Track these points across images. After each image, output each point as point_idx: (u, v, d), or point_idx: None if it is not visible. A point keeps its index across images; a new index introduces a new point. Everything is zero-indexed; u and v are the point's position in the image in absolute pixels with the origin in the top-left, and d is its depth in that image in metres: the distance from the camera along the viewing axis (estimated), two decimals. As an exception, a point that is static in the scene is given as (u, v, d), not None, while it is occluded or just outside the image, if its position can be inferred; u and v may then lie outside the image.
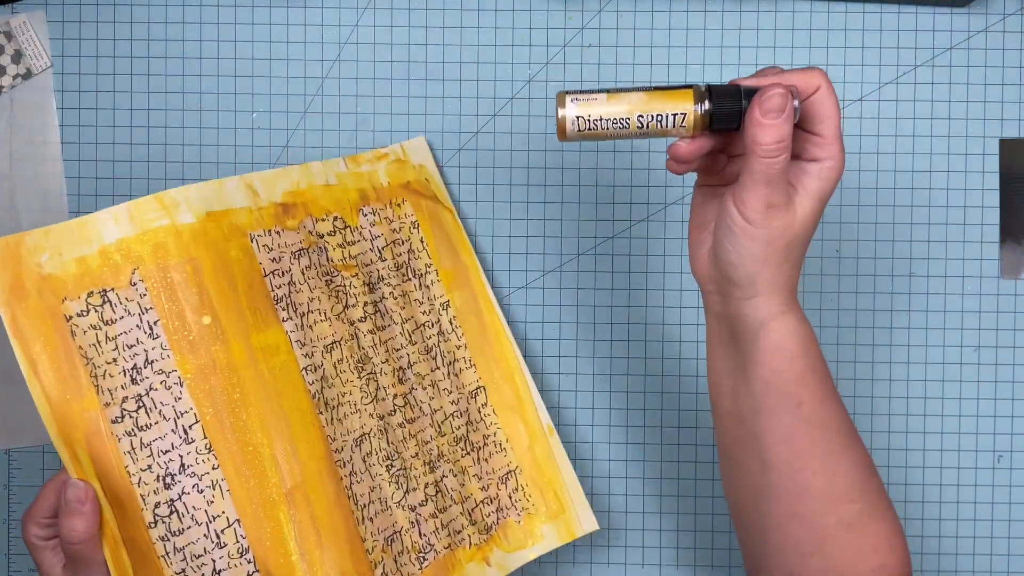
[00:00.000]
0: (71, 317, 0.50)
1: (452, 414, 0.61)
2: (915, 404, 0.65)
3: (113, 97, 0.65)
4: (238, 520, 0.51)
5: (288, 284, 0.55)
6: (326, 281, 0.57)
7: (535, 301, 0.66)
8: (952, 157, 0.64)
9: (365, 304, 0.59)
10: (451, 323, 0.62)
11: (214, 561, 0.50)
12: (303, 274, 0.56)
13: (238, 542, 0.51)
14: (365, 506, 0.55)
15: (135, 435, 0.50)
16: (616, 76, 0.65)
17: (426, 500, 0.58)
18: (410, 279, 0.61)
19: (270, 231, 0.55)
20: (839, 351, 0.65)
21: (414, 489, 0.58)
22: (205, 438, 0.51)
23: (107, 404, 0.50)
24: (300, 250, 0.56)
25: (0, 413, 0.65)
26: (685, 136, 0.47)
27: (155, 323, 0.51)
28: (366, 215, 0.60)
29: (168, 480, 0.50)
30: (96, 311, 0.50)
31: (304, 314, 0.55)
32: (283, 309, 0.54)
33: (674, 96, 0.46)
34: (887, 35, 0.64)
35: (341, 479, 0.54)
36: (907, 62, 0.64)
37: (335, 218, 0.59)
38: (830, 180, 0.47)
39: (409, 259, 0.62)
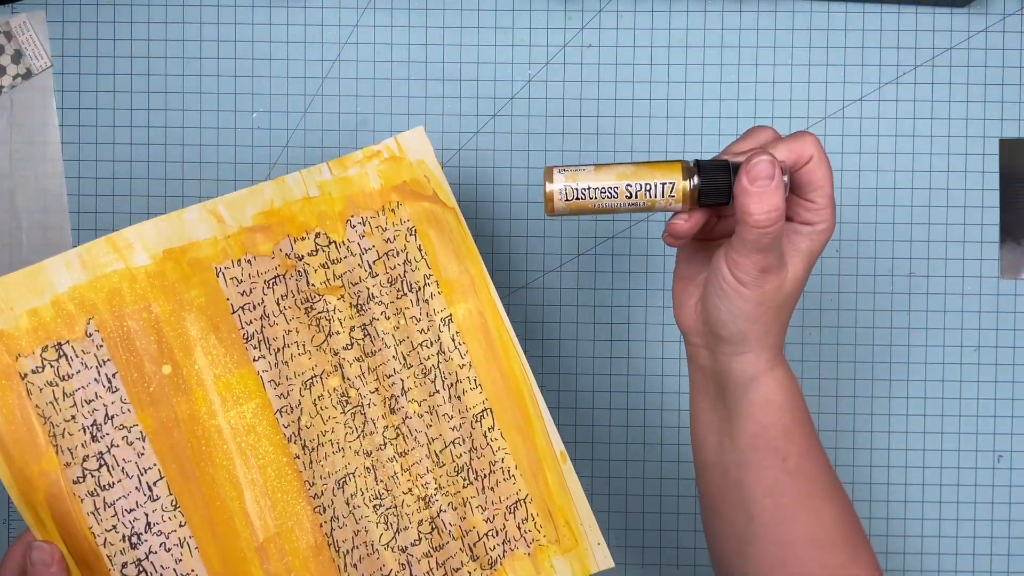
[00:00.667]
0: (26, 375, 0.48)
1: (453, 441, 0.56)
2: (915, 404, 0.65)
3: (113, 97, 0.65)
4: None
5: (260, 319, 0.52)
6: (305, 309, 0.53)
7: (535, 301, 0.66)
8: (952, 157, 0.64)
9: (352, 329, 0.54)
10: (453, 340, 0.56)
11: None
12: (278, 304, 0.53)
13: None
14: (348, 552, 0.53)
15: (98, 495, 0.49)
16: (616, 76, 0.65)
17: (419, 539, 0.55)
18: (406, 294, 0.56)
19: (239, 261, 0.52)
20: (839, 351, 0.65)
21: (405, 528, 0.54)
22: (171, 494, 0.50)
23: (67, 464, 0.49)
24: (275, 277, 0.53)
25: (0, 413, 0.65)
26: (674, 207, 0.46)
27: (113, 375, 0.49)
28: (354, 226, 0.55)
29: (134, 540, 0.49)
30: (52, 366, 0.49)
31: (279, 349, 0.52)
32: (254, 347, 0.52)
33: (662, 168, 0.46)
34: (887, 35, 0.64)
35: (321, 526, 0.52)
36: (907, 62, 0.64)
37: (317, 235, 0.54)
38: (821, 242, 0.47)
39: (405, 271, 0.56)
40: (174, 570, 0.50)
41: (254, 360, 0.52)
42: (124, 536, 0.49)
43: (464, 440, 0.56)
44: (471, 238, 0.57)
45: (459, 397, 0.56)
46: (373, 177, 0.56)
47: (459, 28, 0.65)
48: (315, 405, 0.53)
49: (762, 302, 0.47)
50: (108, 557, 0.49)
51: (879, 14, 0.64)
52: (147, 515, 0.49)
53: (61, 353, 0.49)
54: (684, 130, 0.64)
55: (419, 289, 0.56)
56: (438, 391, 0.56)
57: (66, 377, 0.49)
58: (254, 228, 0.52)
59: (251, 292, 0.52)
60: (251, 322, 0.52)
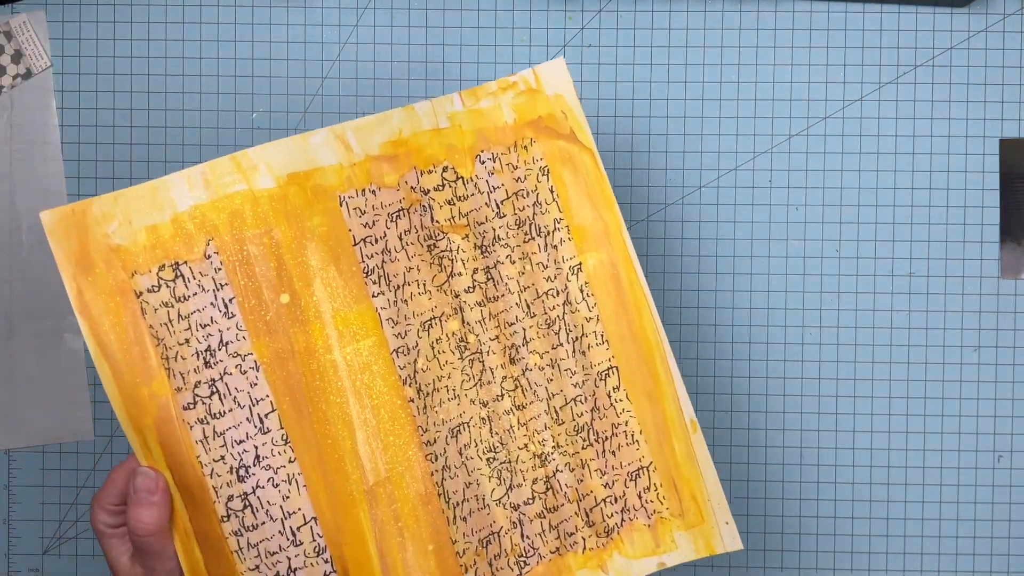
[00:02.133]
0: (141, 293, 0.47)
1: (574, 399, 0.53)
2: (915, 404, 0.65)
3: (113, 97, 0.65)
4: (315, 518, 0.48)
5: (382, 253, 0.50)
6: (428, 247, 0.51)
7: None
8: (952, 157, 0.64)
9: (475, 272, 0.52)
10: (582, 291, 0.53)
11: (289, 559, 0.48)
12: (400, 239, 0.50)
13: (314, 540, 0.48)
14: (458, 504, 0.51)
15: (207, 423, 0.47)
16: (616, 76, 0.65)
17: (533, 498, 0.52)
18: (533, 238, 0.52)
19: (363, 191, 0.49)
20: (839, 351, 0.65)
21: (519, 485, 0.52)
22: (281, 428, 0.48)
23: (178, 389, 0.47)
24: (399, 211, 0.50)
25: (0, 413, 0.65)
26: None
27: (230, 301, 0.47)
28: (483, 162, 0.52)
29: (242, 473, 0.48)
30: (168, 286, 0.47)
31: (399, 287, 0.50)
32: (374, 282, 0.49)
33: None
34: (887, 35, 0.64)
35: (432, 474, 0.50)
36: (907, 62, 0.64)
37: (444, 169, 0.51)
38: None
39: (534, 214, 0.53)
40: (280, 507, 0.48)
41: (373, 296, 0.49)
42: (232, 468, 0.48)
43: (586, 398, 0.53)
44: (608, 183, 0.53)
45: (583, 352, 0.53)
46: (507, 110, 0.53)
47: (459, 28, 0.65)
48: (432, 348, 0.51)
49: None
50: (214, 488, 0.48)
51: (879, 14, 0.64)
52: (256, 448, 0.48)
53: (178, 273, 0.47)
54: (684, 130, 0.65)
55: (548, 234, 0.53)
56: (561, 344, 0.53)
57: (182, 299, 0.47)
58: (380, 158, 0.50)
59: (374, 224, 0.50)
60: (372, 256, 0.50)
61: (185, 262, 0.47)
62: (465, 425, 0.51)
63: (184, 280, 0.47)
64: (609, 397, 0.53)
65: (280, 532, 0.48)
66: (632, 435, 0.53)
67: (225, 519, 0.48)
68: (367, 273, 0.49)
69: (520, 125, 0.53)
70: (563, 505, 0.52)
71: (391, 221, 0.50)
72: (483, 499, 0.51)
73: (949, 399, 0.65)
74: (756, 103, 0.64)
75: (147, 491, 0.46)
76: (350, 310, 0.49)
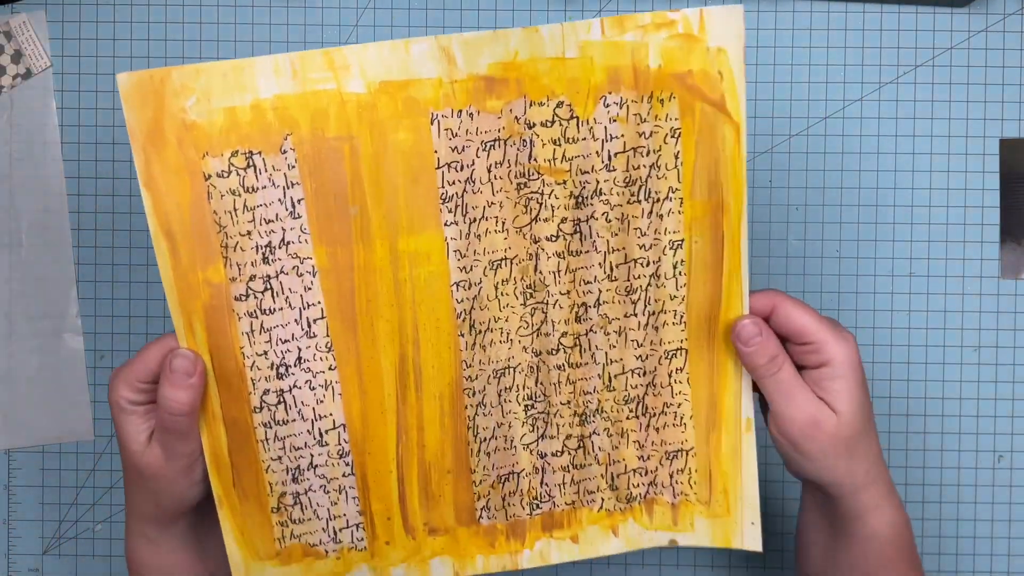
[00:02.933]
0: (210, 176, 0.45)
1: (633, 370, 0.50)
2: (915, 404, 0.65)
3: (113, 97, 0.65)
4: (344, 425, 0.49)
5: (465, 182, 0.46)
6: (517, 185, 0.47)
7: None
8: (952, 157, 0.64)
9: (562, 221, 0.48)
10: (675, 267, 0.49)
11: (312, 456, 0.49)
12: (489, 171, 0.46)
13: (340, 445, 0.49)
14: (485, 440, 0.50)
15: (256, 317, 0.47)
16: (616, 76, 0.64)
17: (562, 451, 0.51)
18: (639, 201, 0.47)
19: (460, 112, 0.46)
20: (839, 351, 0.65)
21: (551, 437, 0.51)
22: (327, 336, 0.48)
23: (233, 279, 0.46)
24: (495, 140, 0.46)
25: (0, 413, 0.65)
26: None
27: (299, 201, 0.46)
28: (608, 106, 0.46)
29: (282, 370, 0.48)
30: (238, 174, 0.45)
31: (475, 220, 0.47)
32: (449, 211, 0.46)
33: None
34: (887, 35, 0.64)
35: (466, 407, 0.49)
36: (907, 62, 0.64)
37: (559, 104, 0.46)
38: (850, 371, 0.48)
39: (648, 176, 0.47)
40: (313, 409, 0.49)
41: (445, 224, 0.47)
42: (273, 364, 0.48)
43: (645, 372, 0.50)
44: (744, 163, 0.47)
45: (656, 328, 0.50)
46: (653, 53, 0.45)
47: (459, 28, 0.65)
48: (496, 289, 0.48)
49: (826, 452, 0.48)
50: (252, 380, 0.48)
51: (879, 14, 0.64)
52: (300, 350, 0.48)
53: (251, 163, 0.45)
54: (684, 130, 0.64)
55: (657, 201, 0.48)
56: (635, 315, 0.49)
57: (250, 189, 0.46)
58: (487, 78, 0.45)
59: (463, 150, 0.46)
60: (454, 183, 0.46)
61: (259, 152, 0.45)
62: (510, 369, 0.50)
63: (256, 171, 0.46)
64: (670, 377, 0.51)
65: (308, 431, 0.49)
66: (681, 418, 0.51)
67: (257, 410, 0.48)
68: (444, 199, 0.46)
69: (664, 74, 0.46)
70: (591, 465, 0.51)
71: (483, 150, 0.46)
72: (511, 440, 0.51)
73: (949, 399, 0.65)
74: (756, 103, 0.64)
75: (185, 373, 0.46)
76: (418, 234, 0.47)
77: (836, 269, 0.65)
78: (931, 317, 0.64)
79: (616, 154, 0.47)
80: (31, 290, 0.64)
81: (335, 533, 0.51)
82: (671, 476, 0.52)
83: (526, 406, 0.50)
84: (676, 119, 0.46)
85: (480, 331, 0.49)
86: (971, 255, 0.64)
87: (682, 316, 0.50)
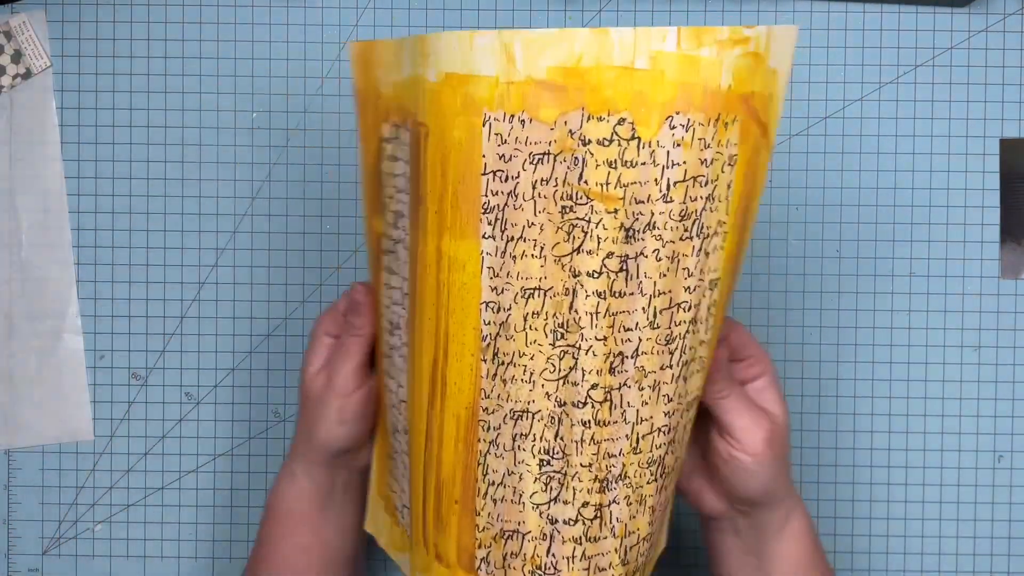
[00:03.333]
0: (383, 139, 0.48)
1: (660, 429, 0.44)
2: (915, 404, 0.65)
3: (113, 97, 0.65)
4: (404, 402, 0.49)
5: (508, 194, 0.42)
6: (562, 208, 0.41)
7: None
8: (952, 157, 0.64)
9: (608, 256, 0.41)
10: (709, 310, 0.44)
11: (399, 420, 0.51)
12: (533, 187, 0.41)
13: (403, 420, 0.50)
14: (493, 484, 0.45)
15: (389, 273, 0.49)
16: (616, 76, 0.64)
17: (576, 521, 0.45)
18: (691, 238, 0.42)
19: (511, 116, 0.41)
20: (839, 351, 0.65)
21: (565, 502, 0.44)
22: (406, 312, 0.48)
23: (384, 234, 0.49)
24: (544, 154, 0.41)
25: (0, 413, 0.65)
26: None
27: (407, 179, 0.46)
28: (674, 128, 0.40)
29: (392, 329, 0.50)
30: (391, 143, 0.47)
31: (512, 239, 0.42)
32: (489, 223, 0.42)
33: None
34: (887, 35, 0.64)
35: (479, 440, 0.44)
36: (907, 62, 0.64)
37: (621, 121, 0.40)
38: (776, 376, 0.51)
39: (704, 209, 0.41)
40: (399, 373, 0.50)
41: (483, 236, 0.42)
42: (389, 320, 0.50)
43: (669, 430, 0.45)
44: (762, 193, 0.44)
45: (685, 379, 0.44)
46: (726, 71, 0.40)
47: (459, 28, 0.65)
48: (525, 321, 0.43)
49: (775, 457, 0.50)
50: (383, 328, 0.51)
51: (879, 14, 0.64)
52: (401, 317, 0.49)
53: (397, 135, 0.47)
54: (684, 130, 0.64)
55: (707, 237, 0.42)
56: (670, 367, 0.43)
57: (394, 158, 0.47)
58: (544, 83, 0.40)
59: (510, 159, 0.41)
60: (496, 193, 0.42)
61: (401, 125, 0.46)
62: (529, 414, 0.44)
63: (399, 143, 0.46)
64: (685, 430, 0.46)
65: (395, 393, 0.50)
66: (680, 469, 0.48)
67: (385, 356, 0.51)
68: (485, 209, 0.42)
69: (733, 95, 0.40)
70: (606, 539, 0.45)
71: (530, 163, 0.41)
72: (520, 495, 0.45)
73: (949, 399, 0.65)
74: (756, 103, 0.64)
75: (359, 302, 0.52)
76: (459, 239, 0.43)
77: (836, 269, 0.65)
78: (931, 317, 0.64)
79: (675, 183, 0.41)
80: (31, 290, 0.64)
81: (403, 506, 0.51)
82: (661, 528, 0.50)
83: (541, 460, 0.44)
84: (735, 145, 0.42)
85: (503, 363, 0.44)
86: (971, 255, 0.64)
87: (704, 362, 0.45)
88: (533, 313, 0.43)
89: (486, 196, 0.42)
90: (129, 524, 0.65)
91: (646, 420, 0.44)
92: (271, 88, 0.65)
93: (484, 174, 0.42)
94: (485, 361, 0.44)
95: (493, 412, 0.44)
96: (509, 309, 0.43)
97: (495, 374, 0.44)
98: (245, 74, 0.65)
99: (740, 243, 0.44)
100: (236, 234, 0.65)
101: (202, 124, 0.65)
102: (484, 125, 0.41)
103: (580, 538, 0.45)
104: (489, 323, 0.43)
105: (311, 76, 0.65)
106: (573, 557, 0.45)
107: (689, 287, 0.43)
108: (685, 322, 0.43)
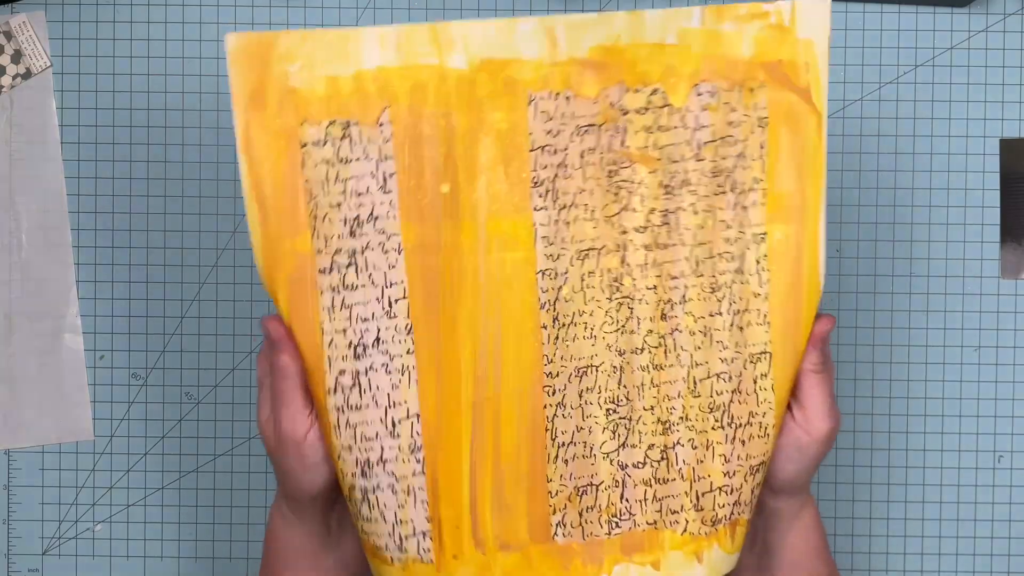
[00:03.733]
0: (306, 144, 0.45)
1: (718, 374, 0.48)
2: (915, 404, 0.65)
3: (113, 97, 0.65)
4: (418, 415, 0.47)
5: (558, 166, 0.46)
6: (608, 172, 0.47)
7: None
8: (952, 157, 0.64)
9: (651, 211, 0.47)
10: (758, 263, 0.48)
11: (383, 449, 0.47)
12: (582, 157, 0.46)
13: (412, 438, 0.47)
14: (564, 445, 0.48)
15: (339, 293, 0.46)
16: (616, 76, 0.64)
17: (644, 462, 0.48)
18: (725, 193, 0.47)
19: (557, 94, 0.46)
20: (839, 351, 0.65)
21: (633, 446, 0.48)
22: (408, 318, 0.46)
23: (319, 251, 0.46)
24: (589, 126, 0.46)
25: (0, 413, 0.65)
26: None
27: (391, 176, 0.45)
28: (700, 94, 0.46)
29: (359, 350, 0.46)
30: (333, 144, 0.45)
31: (565, 207, 0.46)
32: (540, 195, 0.46)
33: None
34: (887, 35, 0.64)
35: (545, 407, 0.47)
36: (907, 62, 0.64)
37: (654, 91, 0.46)
38: (832, 378, 0.51)
39: (735, 166, 0.47)
40: (388, 395, 0.47)
41: (535, 209, 0.46)
42: (351, 343, 0.46)
43: (731, 377, 0.48)
44: (824, 155, 0.47)
45: (740, 328, 0.48)
46: (746, 42, 0.46)
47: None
48: (582, 280, 0.47)
49: (822, 454, 0.50)
50: (329, 359, 0.47)
51: (879, 14, 0.64)
52: (379, 330, 0.46)
53: (347, 134, 0.45)
54: (684, 130, 0.64)
55: (742, 192, 0.47)
56: (720, 313, 0.48)
57: (344, 161, 0.45)
58: (586, 62, 0.46)
59: (558, 134, 0.46)
60: (546, 167, 0.46)
61: (357, 123, 0.45)
62: (593, 368, 0.48)
63: (351, 142, 0.45)
64: (755, 383, 0.48)
65: (380, 420, 0.47)
66: (766, 428, 0.49)
67: (331, 392, 0.47)
68: (535, 183, 0.46)
69: (755, 64, 0.46)
70: (675, 480, 0.48)
71: (577, 134, 0.46)
72: (591, 448, 0.48)
73: (949, 399, 0.65)
74: (756, 103, 0.64)
75: (274, 338, 0.47)
76: (507, 218, 0.46)
77: (836, 269, 0.65)
78: (931, 317, 0.64)
79: (705, 143, 0.47)
80: (31, 290, 0.64)
81: (401, 540, 0.48)
82: (752, 491, 0.49)
83: (608, 410, 0.48)
84: (764, 108, 0.47)
85: (564, 324, 0.47)
86: (971, 255, 0.64)
87: (766, 316, 0.48)
88: (589, 272, 0.47)
89: (535, 171, 0.46)
90: (129, 524, 0.65)
91: (701, 364, 0.48)
92: (271, 88, 0.65)
93: (532, 150, 0.46)
94: (545, 328, 0.47)
95: (558, 375, 0.48)
96: (566, 272, 0.47)
97: (556, 337, 0.47)
98: (245, 74, 0.65)
99: (791, 204, 0.47)
100: (236, 234, 0.65)
101: (202, 124, 0.65)
102: (529, 105, 0.45)
103: (650, 480, 0.48)
104: (547, 289, 0.47)
105: (311, 76, 0.65)
106: (645, 500, 0.48)
107: (729, 238, 0.47)
108: (730, 271, 0.47)
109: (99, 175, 0.65)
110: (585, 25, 0.45)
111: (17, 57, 0.64)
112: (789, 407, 0.49)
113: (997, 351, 0.64)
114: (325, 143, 0.45)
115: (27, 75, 0.64)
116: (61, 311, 0.64)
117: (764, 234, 0.48)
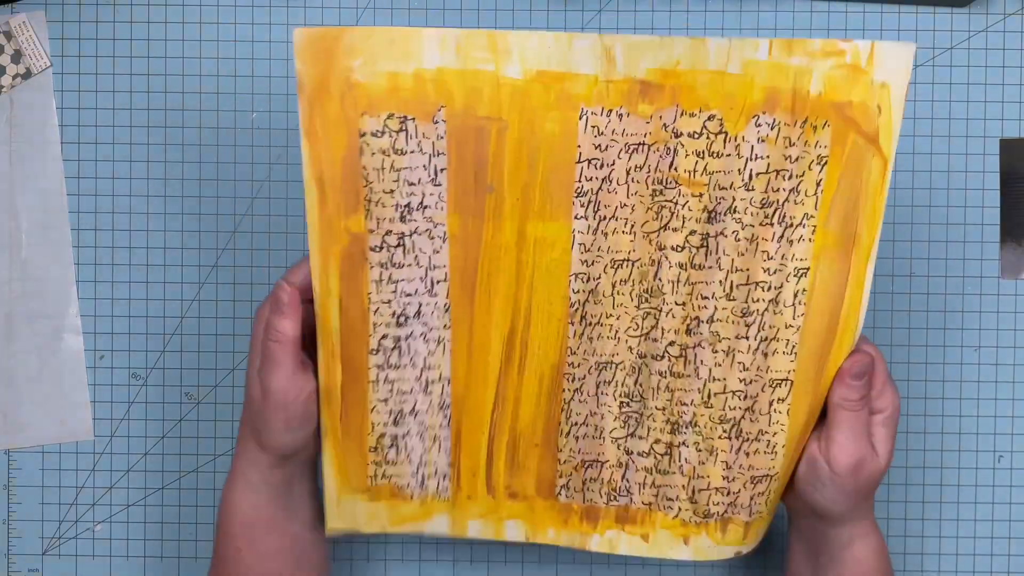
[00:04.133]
0: (365, 134, 0.48)
1: (734, 392, 0.51)
2: (915, 404, 0.65)
3: (113, 97, 0.65)
4: (448, 380, 0.52)
5: (602, 181, 0.48)
6: (653, 192, 0.49)
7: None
8: (952, 157, 0.64)
9: (691, 234, 0.49)
10: (796, 296, 0.49)
11: (416, 401, 0.52)
12: (627, 174, 0.48)
13: (442, 397, 0.52)
14: (576, 424, 0.53)
15: (387, 268, 0.50)
16: (616, 76, 0.64)
17: (648, 453, 0.52)
18: (772, 224, 0.48)
19: (610, 111, 0.47)
20: (839, 351, 0.65)
21: (640, 437, 0.52)
22: (447, 298, 0.51)
23: (371, 231, 0.49)
24: (639, 145, 0.48)
25: (0, 413, 0.65)
26: None
27: (441, 171, 0.48)
28: (760, 125, 0.47)
29: (401, 319, 0.51)
30: (391, 136, 0.48)
31: (604, 219, 0.49)
32: (581, 205, 0.49)
33: None
34: (887, 35, 0.64)
35: (563, 391, 0.52)
36: (907, 62, 0.64)
37: (711, 117, 0.47)
38: (895, 420, 0.52)
39: (787, 200, 0.47)
40: (424, 358, 0.51)
41: (575, 217, 0.49)
42: (395, 312, 0.51)
43: (747, 397, 0.51)
44: (884, 199, 0.48)
45: (765, 354, 0.50)
46: (816, 79, 0.46)
47: (459, 28, 0.65)
48: (613, 288, 0.50)
49: (859, 489, 0.50)
50: (373, 323, 0.50)
51: (879, 14, 0.64)
52: (420, 304, 0.51)
53: (404, 127, 0.48)
54: (684, 130, 0.64)
55: (790, 226, 0.48)
56: (746, 338, 0.50)
57: (399, 152, 0.48)
58: (643, 83, 0.47)
59: (606, 149, 0.48)
60: (591, 179, 0.49)
61: (413, 118, 0.48)
62: (612, 365, 0.52)
63: (407, 135, 0.48)
64: (770, 405, 0.50)
65: (416, 379, 0.52)
66: (774, 447, 0.51)
67: (374, 352, 0.51)
68: (578, 193, 0.49)
69: (823, 102, 0.46)
70: (674, 474, 0.52)
71: (626, 152, 0.48)
72: (601, 431, 0.52)
73: (949, 399, 0.65)
74: (756, 103, 0.64)
75: (284, 303, 0.50)
76: (547, 222, 0.49)
77: (836, 269, 0.65)
78: (931, 317, 0.64)
79: (758, 174, 0.48)
80: (31, 290, 0.64)
81: (423, 480, 0.53)
82: (751, 498, 0.52)
83: (621, 403, 0.52)
84: (826, 147, 0.47)
85: (590, 324, 0.51)
86: (971, 255, 0.64)
87: (794, 347, 0.49)
88: (621, 281, 0.50)
89: (580, 182, 0.48)
90: (129, 524, 0.65)
91: (718, 380, 0.50)
92: (271, 88, 0.65)
93: (579, 162, 0.48)
94: (573, 324, 0.51)
95: (579, 366, 0.52)
96: (599, 278, 0.50)
97: (582, 334, 0.51)
98: (245, 74, 0.65)
99: (841, 243, 0.48)
100: (236, 234, 0.65)
101: (202, 124, 0.65)
102: (581, 119, 0.47)
103: (651, 468, 0.52)
104: (578, 291, 0.50)
105: (311, 76, 0.65)
106: (644, 484, 0.53)
107: (769, 269, 0.49)
108: (764, 300, 0.49)
109: (99, 175, 0.65)
110: (644, 46, 0.46)
111: (17, 57, 0.64)
112: (815, 433, 0.51)
113: (997, 351, 0.64)
114: (383, 134, 0.48)
115: (27, 75, 0.64)
116: (61, 311, 0.64)
117: (807, 269, 0.49)
